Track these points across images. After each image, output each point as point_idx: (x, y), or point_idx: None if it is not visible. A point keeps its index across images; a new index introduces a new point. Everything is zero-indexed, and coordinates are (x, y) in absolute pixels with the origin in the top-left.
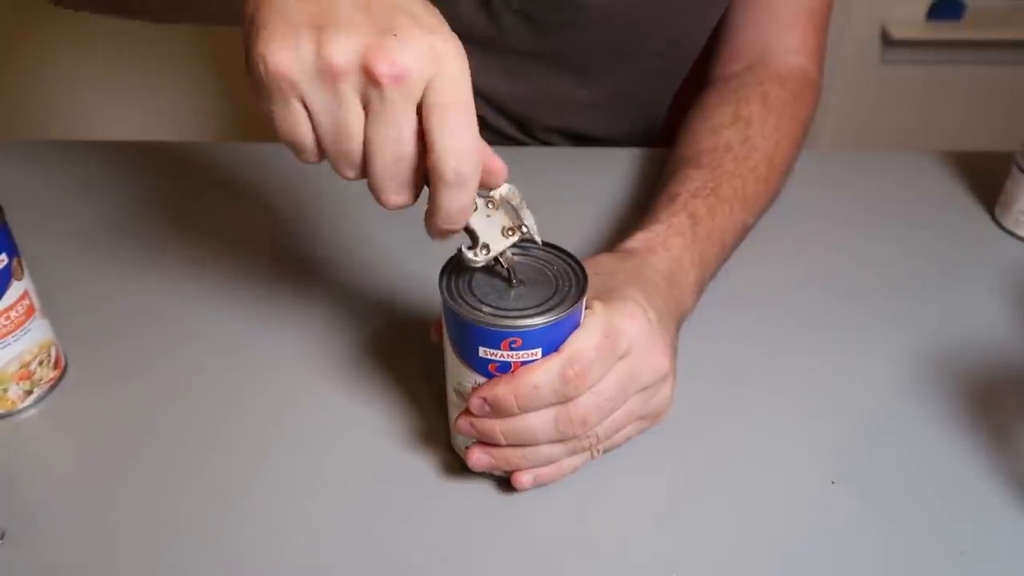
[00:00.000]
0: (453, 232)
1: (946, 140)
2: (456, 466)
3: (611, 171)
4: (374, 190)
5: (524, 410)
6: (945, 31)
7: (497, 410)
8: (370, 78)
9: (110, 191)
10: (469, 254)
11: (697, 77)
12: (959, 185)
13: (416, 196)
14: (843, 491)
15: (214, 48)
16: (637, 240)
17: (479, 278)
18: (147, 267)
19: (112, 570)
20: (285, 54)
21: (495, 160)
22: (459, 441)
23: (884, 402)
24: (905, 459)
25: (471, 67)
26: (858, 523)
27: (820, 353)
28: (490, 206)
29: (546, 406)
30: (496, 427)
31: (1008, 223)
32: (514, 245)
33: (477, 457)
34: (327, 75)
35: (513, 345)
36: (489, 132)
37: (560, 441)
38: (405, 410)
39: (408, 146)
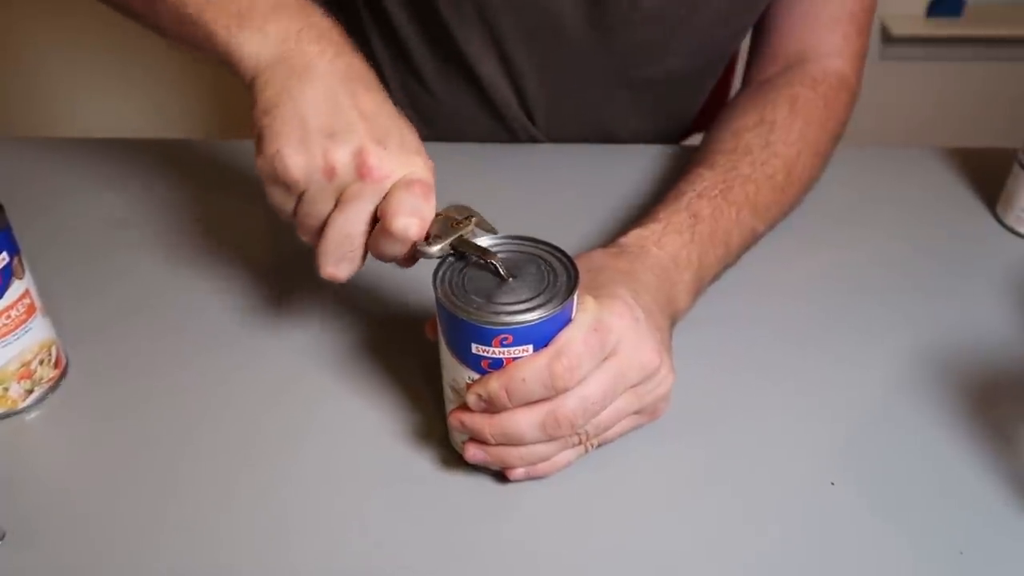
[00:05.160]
0: (399, 251)
1: (946, 137)
2: (454, 462)
3: (630, 168)
4: (319, 257)
5: (515, 404)
6: (945, 28)
7: (492, 405)
8: (360, 171)
9: (111, 189)
10: (424, 248)
11: (729, 82)
12: (960, 182)
13: (349, 274)
14: (842, 492)
15: None
16: (631, 237)
17: (472, 275)
18: (148, 266)
19: (112, 570)
20: (300, 159)
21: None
22: (456, 437)
23: (883, 401)
24: (904, 459)
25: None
26: (857, 523)
27: (818, 351)
28: (439, 215)
29: (536, 399)
30: (485, 428)
31: (1009, 220)
32: (465, 237)
33: (473, 452)
34: (328, 173)
35: (504, 342)
36: (509, 135)
37: (550, 440)
38: (404, 406)
39: (358, 227)
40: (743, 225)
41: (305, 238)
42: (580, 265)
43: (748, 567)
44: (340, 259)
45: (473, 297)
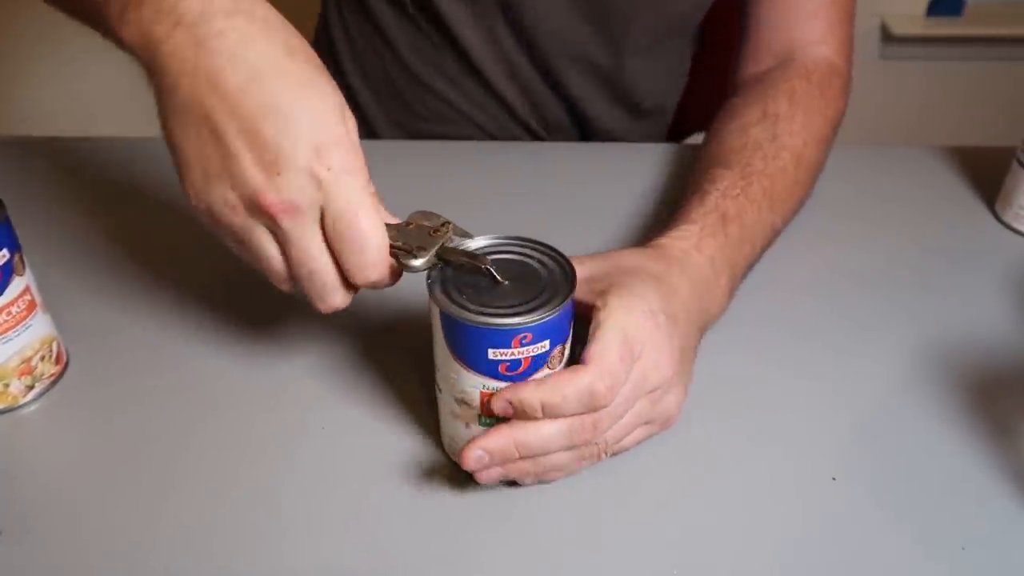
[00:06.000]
0: (382, 285)
1: (946, 136)
2: (454, 465)
3: (629, 167)
4: (308, 298)
5: (547, 417)
6: (945, 27)
7: (521, 413)
8: (264, 212)
9: (112, 187)
10: (409, 262)
11: (706, 80)
12: (959, 180)
13: (344, 301)
14: (844, 487)
15: None
16: (669, 239)
17: (464, 281)
18: (148, 263)
19: (111, 567)
20: (199, 198)
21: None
22: (454, 445)
23: (884, 398)
24: (905, 455)
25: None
26: (859, 519)
27: (819, 348)
28: (411, 226)
29: (569, 415)
30: (512, 447)
31: (1008, 218)
32: (447, 245)
33: (488, 474)
34: (233, 211)
35: (524, 340)
36: (501, 109)
37: (570, 448)
38: (403, 409)
39: (318, 261)
40: (764, 222)
41: (284, 287)
42: (611, 263)
43: (748, 561)
44: (324, 292)
45: (479, 303)
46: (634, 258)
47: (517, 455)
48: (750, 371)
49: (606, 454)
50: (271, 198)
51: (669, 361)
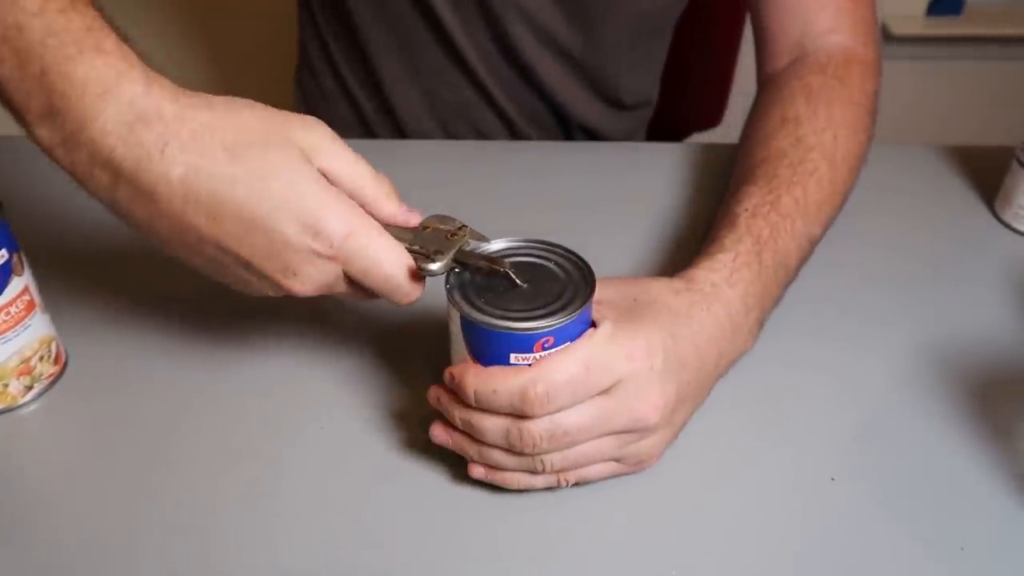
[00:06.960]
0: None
1: (945, 136)
2: (451, 470)
3: (629, 167)
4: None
5: (480, 406)
6: (945, 27)
7: (458, 390)
8: (295, 297)
9: None
10: (428, 266)
11: (704, 79)
12: (958, 179)
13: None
14: (842, 488)
15: (216, 45)
16: (702, 271)
17: (483, 285)
18: (148, 263)
19: (111, 567)
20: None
21: (408, 215)
22: None
23: (883, 398)
24: (904, 456)
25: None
26: (857, 520)
27: (817, 348)
28: (427, 229)
29: (501, 413)
30: (454, 412)
31: (1007, 217)
32: (464, 248)
33: (438, 433)
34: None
35: (546, 344)
36: (481, 98)
37: (510, 452)
38: (404, 410)
39: (363, 297)
40: (799, 237)
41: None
42: (632, 290)
43: (747, 562)
44: (366, 298)
45: (499, 307)
46: (657, 289)
47: (458, 422)
48: (749, 370)
49: (566, 481)
50: (300, 290)
51: (650, 408)
